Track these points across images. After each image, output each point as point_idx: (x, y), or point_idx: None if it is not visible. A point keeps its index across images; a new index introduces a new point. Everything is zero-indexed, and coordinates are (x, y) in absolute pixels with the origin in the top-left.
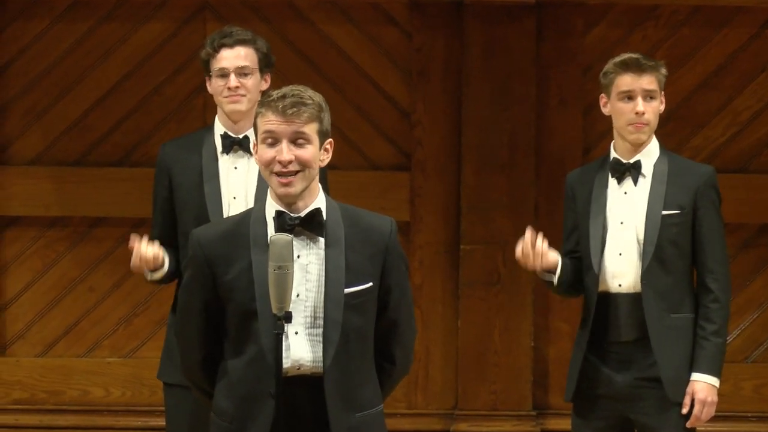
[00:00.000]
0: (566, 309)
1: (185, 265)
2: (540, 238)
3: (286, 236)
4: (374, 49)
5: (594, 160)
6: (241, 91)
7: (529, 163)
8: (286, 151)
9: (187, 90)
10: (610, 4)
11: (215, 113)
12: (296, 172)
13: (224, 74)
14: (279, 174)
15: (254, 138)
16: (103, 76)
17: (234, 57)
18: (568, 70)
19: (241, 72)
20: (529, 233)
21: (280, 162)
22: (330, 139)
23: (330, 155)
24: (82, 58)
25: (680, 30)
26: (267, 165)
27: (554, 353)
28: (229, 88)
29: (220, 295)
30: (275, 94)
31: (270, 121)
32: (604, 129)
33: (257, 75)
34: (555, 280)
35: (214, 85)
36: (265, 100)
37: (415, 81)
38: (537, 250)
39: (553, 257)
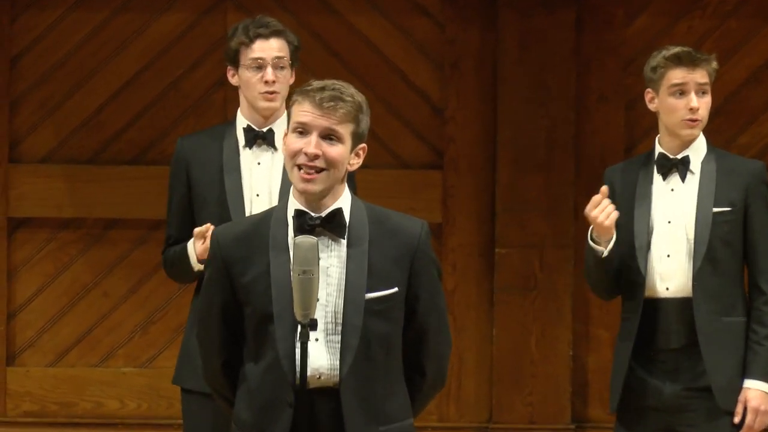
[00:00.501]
0: (607, 315)
1: (205, 266)
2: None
3: (311, 238)
4: (405, 41)
5: (635, 157)
6: (277, 87)
7: (568, 162)
8: (314, 144)
9: (206, 84)
10: None
11: (236, 108)
12: (320, 170)
13: (260, 66)
14: (302, 167)
15: (284, 127)
16: (119, 69)
17: (270, 48)
18: (609, 64)
19: (278, 64)
20: (604, 188)
21: (306, 154)
22: (364, 145)
23: (360, 161)
24: (96, 50)
25: (728, 21)
26: (292, 156)
27: (594, 362)
28: (266, 82)
29: (238, 298)
30: (315, 84)
31: (304, 111)
32: (648, 126)
33: (289, 69)
34: (606, 251)
35: (245, 77)
36: (303, 89)
37: (447, 75)
38: (609, 205)
39: (612, 230)
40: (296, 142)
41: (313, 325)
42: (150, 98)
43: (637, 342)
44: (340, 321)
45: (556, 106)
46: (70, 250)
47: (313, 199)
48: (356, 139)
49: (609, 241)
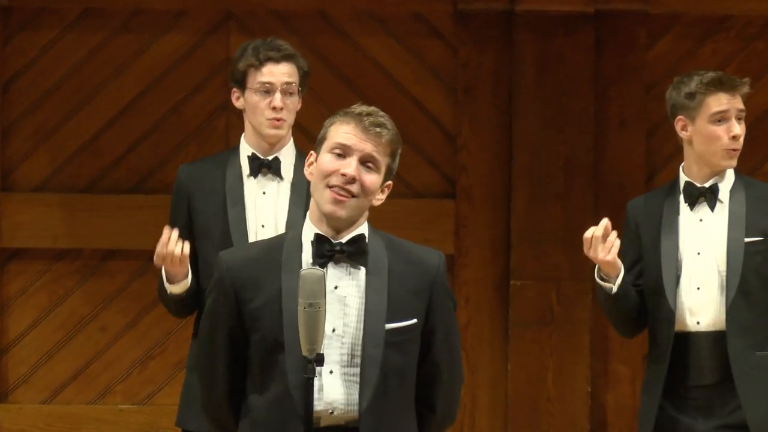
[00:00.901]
0: (626, 351)
1: (208, 291)
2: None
3: (317, 270)
4: (416, 64)
5: (658, 187)
6: (284, 114)
7: (587, 191)
8: (354, 167)
9: (208, 109)
10: (677, 15)
11: (239, 134)
12: (353, 195)
13: (268, 90)
14: (335, 187)
15: (291, 156)
16: (117, 92)
17: (280, 73)
18: (630, 88)
19: (287, 90)
20: (605, 221)
21: (343, 175)
22: (390, 182)
23: (384, 198)
24: (94, 73)
25: (753, 43)
26: (325, 175)
27: (613, 400)
28: (274, 108)
29: (245, 324)
30: (362, 108)
31: (348, 133)
32: (669, 153)
33: (297, 95)
34: (615, 287)
35: (252, 101)
36: (348, 110)
37: (460, 99)
38: (608, 240)
39: (618, 263)
40: (333, 162)
41: (319, 360)
42: (150, 123)
43: (667, 378)
44: (358, 353)
45: (575, 132)
46: (65, 283)
47: (337, 225)
48: (388, 174)
49: (618, 276)
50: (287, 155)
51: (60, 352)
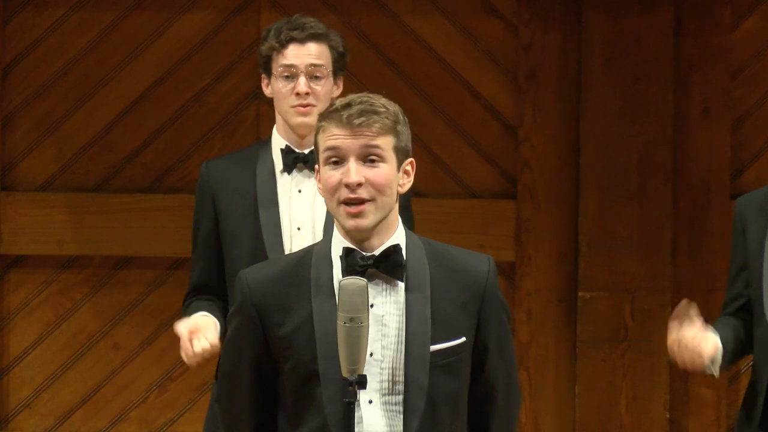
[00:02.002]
0: None
1: (230, 315)
2: (693, 324)
3: (359, 280)
4: (471, 46)
5: None
6: (312, 99)
7: (665, 190)
8: (354, 172)
9: (235, 97)
10: None
11: (272, 125)
12: (367, 200)
13: (292, 75)
14: (347, 202)
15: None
16: (132, 79)
17: (305, 54)
18: (714, 72)
19: (314, 73)
20: (684, 308)
21: (347, 185)
22: (411, 159)
23: (411, 179)
24: (105, 57)
25: None
26: (333, 192)
27: (696, 427)
28: (297, 94)
29: (274, 353)
30: (338, 102)
31: (333, 136)
32: (760, 146)
33: (330, 79)
34: (716, 372)
35: (276, 88)
36: (325, 112)
37: (522, 86)
38: (691, 346)
39: (712, 342)
40: (333, 175)
41: (361, 382)
42: (169, 114)
43: (765, 411)
44: (399, 379)
45: (651, 124)
46: (73, 295)
47: (365, 236)
48: (401, 154)
49: (716, 356)
50: None
51: (67, 374)
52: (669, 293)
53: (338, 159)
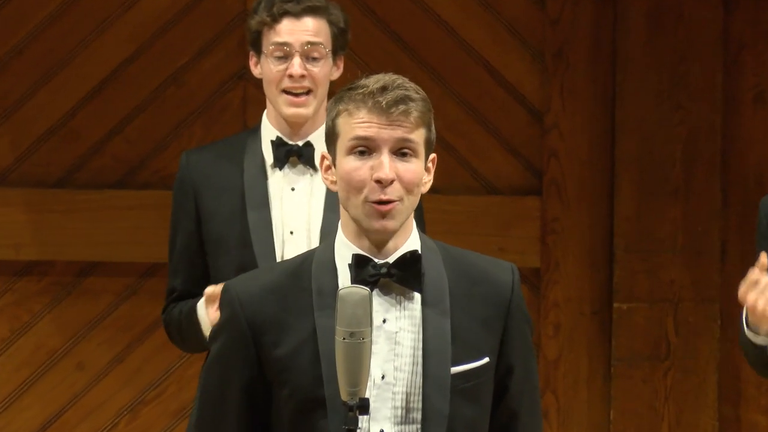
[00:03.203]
0: (765, 395)
1: (214, 332)
2: None
3: (361, 289)
4: (492, 21)
5: None
6: (307, 83)
7: (713, 185)
8: (389, 167)
9: (219, 78)
10: None
11: (261, 111)
12: (394, 200)
13: (285, 54)
14: (378, 202)
15: (323, 147)
16: (99, 57)
17: (301, 30)
18: None
19: (310, 53)
20: (763, 259)
21: (379, 181)
22: (433, 155)
23: (432, 178)
24: (69, 31)
25: None
26: (359, 187)
27: None
28: (290, 76)
29: (268, 377)
30: (369, 83)
31: (366, 123)
32: None
33: (329, 60)
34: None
35: (267, 69)
36: (354, 92)
37: (549, 67)
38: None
39: None
40: (360, 168)
41: (363, 406)
42: (142, 97)
43: None
44: (415, 405)
45: (697, 110)
46: (32, 306)
47: (384, 238)
48: (428, 148)
49: None
50: (322, 139)
51: (24, 397)
52: (717, 304)
53: (367, 150)
